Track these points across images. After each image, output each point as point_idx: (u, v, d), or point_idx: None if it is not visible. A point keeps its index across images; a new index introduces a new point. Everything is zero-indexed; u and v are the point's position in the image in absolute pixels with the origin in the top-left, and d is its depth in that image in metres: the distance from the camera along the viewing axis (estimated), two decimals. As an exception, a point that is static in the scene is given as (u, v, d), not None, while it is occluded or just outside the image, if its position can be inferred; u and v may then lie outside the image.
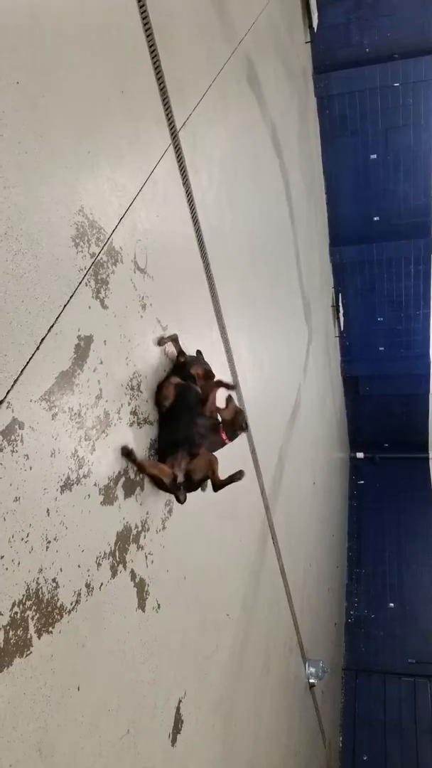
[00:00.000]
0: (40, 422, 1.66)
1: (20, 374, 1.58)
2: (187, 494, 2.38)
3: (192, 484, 2.34)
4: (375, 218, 11.22)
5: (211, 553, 3.10)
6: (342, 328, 11.85)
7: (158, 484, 2.30)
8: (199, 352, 2.86)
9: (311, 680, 5.83)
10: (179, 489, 2.31)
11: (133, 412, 2.25)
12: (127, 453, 2.12)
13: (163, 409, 2.44)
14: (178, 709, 2.49)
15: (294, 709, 5.23)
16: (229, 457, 3.54)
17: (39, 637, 1.57)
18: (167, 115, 2.79)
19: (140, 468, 2.18)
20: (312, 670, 5.79)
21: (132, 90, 2.42)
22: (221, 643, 3.13)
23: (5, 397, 1.52)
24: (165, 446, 2.39)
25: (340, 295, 11.71)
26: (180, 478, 2.29)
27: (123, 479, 2.13)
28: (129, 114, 2.38)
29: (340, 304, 11.62)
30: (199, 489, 2.46)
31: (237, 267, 4.08)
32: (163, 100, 2.76)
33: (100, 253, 2.06)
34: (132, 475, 2.21)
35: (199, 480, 2.34)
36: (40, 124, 1.76)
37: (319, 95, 9.80)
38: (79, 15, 2.04)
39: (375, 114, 9.98)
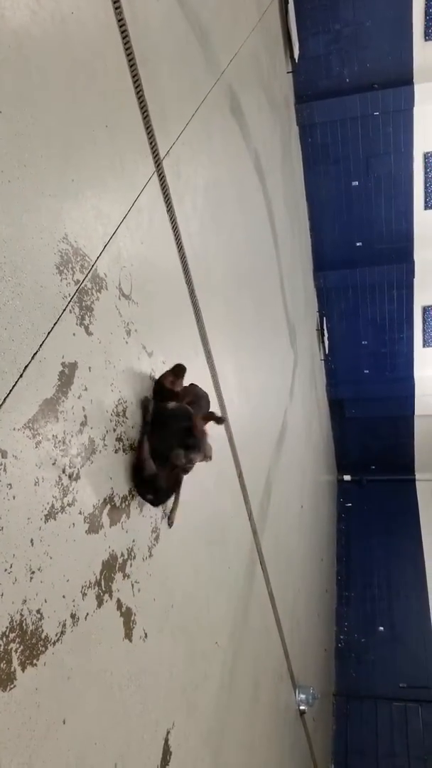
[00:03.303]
0: (24, 451, 1.64)
1: (3, 402, 1.57)
2: (173, 517, 2.37)
3: (156, 488, 2.35)
4: (357, 243, 11.39)
5: (199, 580, 3.06)
6: (327, 352, 11.93)
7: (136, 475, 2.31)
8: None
9: (302, 707, 5.74)
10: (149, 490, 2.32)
11: (119, 439, 2.24)
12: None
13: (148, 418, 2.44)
14: (166, 740, 2.43)
15: (285, 738, 5.14)
16: (216, 480, 3.54)
17: (23, 670, 1.54)
18: (151, 144, 2.84)
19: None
20: (302, 696, 5.70)
21: (116, 119, 2.46)
22: (210, 672, 3.08)
23: (-12, 426, 1.51)
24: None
25: (324, 318, 11.82)
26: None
27: (108, 507, 2.11)
28: (113, 143, 2.41)
29: (325, 327, 11.72)
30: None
31: (222, 292, 4.11)
32: (147, 129, 2.80)
33: (84, 280, 2.07)
34: (118, 503, 2.19)
35: (161, 488, 2.34)
36: (23, 154, 1.78)
37: (301, 124, 10.01)
38: (63, 48, 2.08)
39: (356, 142, 10.20)
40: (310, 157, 10.41)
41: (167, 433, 2.40)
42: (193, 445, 2.45)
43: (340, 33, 9.46)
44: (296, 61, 8.87)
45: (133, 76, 2.66)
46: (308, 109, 9.94)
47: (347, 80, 9.71)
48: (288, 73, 8.90)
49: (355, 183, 10.69)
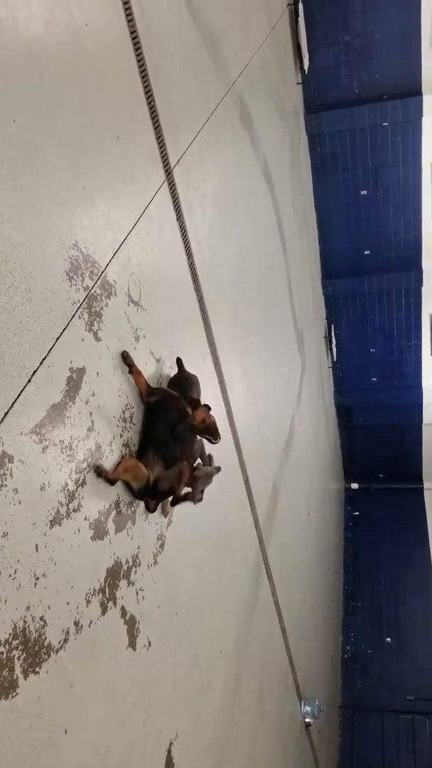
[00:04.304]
0: (30, 455, 1.64)
1: (11, 407, 1.57)
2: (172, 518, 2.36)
3: (156, 492, 2.28)
4: (366, 252, 11.38)
5: (204, 588, 3.05)
6: (335, 359, 11.90)
7: (128, 486, 2.24)
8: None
9: (307, 719, 5.68)
10: (148, 496, 2.27)
11: (126, 444, 2.24)
12: (98, 472, 2.01)
13: (145, 399, 2.40)
14: (169, 751, 2.41)
15: (289, 750, 5.09)
16: (222, 487, 3.52)
17: (25, 678, 1.53)
18: (162, 152, 2.85)
19: (112, 481, 2.07)
20: (308, 709, 5.65)
21: (127, 128, 2.47)
22: (214, 682, 3.06)
23: (-5, 431, 1.51)
24: (146, 445, 2.33)
25: (332, 326, 11.80)
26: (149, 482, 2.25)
27: (114, 513, 2.11)
28: (124, 151, 2.43)
29: (333, 335, 11.70)
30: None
31: (230, 299, 4.12)
32: (158, 138, 2.81)
33: (93, 286, 2.08)
34: (123, 509, 2.19)
35: (164, 491, 2.29)
36: (35, 161, 1.79)
37: (310, 134, 10.04)
38: (77, 59, 2.09)
39: (365, 152, 10.22)
40: (319, 166, 10.43)
41: (161, 425, 2.38)
42: (186, 429, 2.44)
43: (350, 44, 9.49)
44: (306, 72, 8.90)
45: (145, 87, 2.68)
46: (317, 119, 9.97)
47: (356, 91, 9.74)
48: (298, 84, 8.94)
49: (364, 192, 10.69)
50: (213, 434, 2.52)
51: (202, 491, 2.59)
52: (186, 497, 2.48)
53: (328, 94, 9.92)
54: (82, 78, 2.13)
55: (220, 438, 2.56)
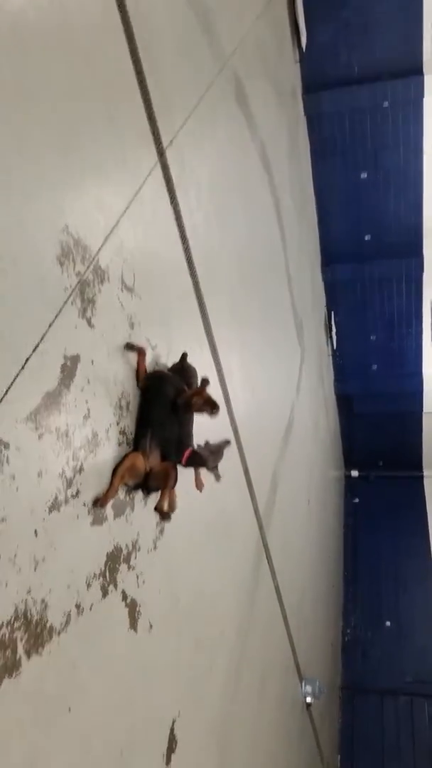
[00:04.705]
0: (27, 442, 1.65)
1: (5, 395, 1.57)
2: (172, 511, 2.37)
3: (147, 487, 2.28)
4: (366, 237, 11.30)
5: (205, 573, 3.07)
6: (335, 347, 11.88)
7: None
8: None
9: (308, 699, 5.75)
10: (141, 488, 2.27)
11: (122, 432, 2.24)
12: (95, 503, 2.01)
13: (141, 384, 2.38)
14: (172, 729, 2.45)
15: (291, 730, 5.15)
16: (222, 475, 3.53)
17: (28, 658, 1.55)
18: (154, 133, 2.82)
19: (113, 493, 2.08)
20: (309, 689, 5.71)
21: (117, 108, 2.44)
22: (216, 663, 3.09)
23: (-10, 418, 1.51)
24: (143, 430, 2.31)
25: (332, 313, 11.76)
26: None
27: (112, 499, 2.11)
28: (115, 132, 2.40)
29: (333, 322, 11.66)
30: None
31: (227, 285, 4.10)
32: (150, 118, 2.78)
33: (86, 272, 2.07)
34: (122, 496, 2.19)
35: (152, 488, 2.28)
36: (21, 143, 1.77)
37: (309, 115, 9.92)
38: (63, 35, 2.06)
39: (364, 134, 10.10)
40: (318, 148, 10.31)
41: (157, 405, 2.37)
42: (183, 404, 2.43)
43: (349, 21, 9.31)
44: (304, 50, 8.76)
45: (135, 64, 2.64)
46: (316, 99, 9.83)
47: (356, 69, 9.60)
48: (296, 62, 8.81)
49: (364, 175, 10.59)
50: (211, 406, 2.49)
51: (215, 467, 2.59)
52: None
53: (328, 73, 9.76)
54: (69, 55, 2.10)
55: (218, 408, 2.52)
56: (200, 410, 2.53)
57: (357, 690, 9.55)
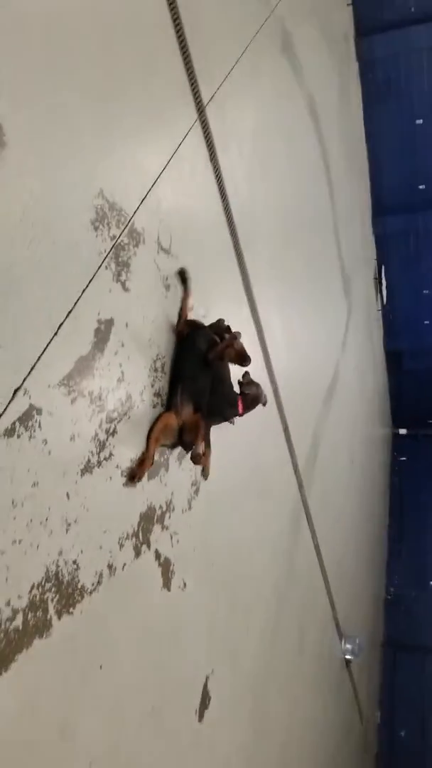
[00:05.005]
0: (59, 407, 1.67)
1: (38, 360, 1.59)
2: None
3: (182, 442, 2.29)
4: (421, 186, 10.84)
5: (241, 533, 3.11)
6: (385, 302, 11.57)
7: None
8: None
9: (348, 657, 5.85)
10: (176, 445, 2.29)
11: (157, 394, 2.25)
12: (132, 476, 2.04)
13: (179, 329, 2.40)
14: (205, 686, 2.52)
15: (330, 686, 5.27)
16: (260, 434, 3.53)
17: (59, 618, 1.61)
18: (193, 89, 2.73)
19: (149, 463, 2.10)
20: (348, 646, 5.80)
21: (154, 65, 2.37)
22: (251, 621, 3.16)
23: (22, 384, 1.53)
24: (175, 384, 2.33)
25: (383, 267, 11.42)
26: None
27: (143, 459, 2.14)
28: (151, 90, 2.34)
29: (383, 276, 11.33)
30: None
31: (269, 242, 4.01)
32: (189, 73, 2.69)
33: (120, 235, 2.05)
34: (156, 457, 2.22)
35: (186, 441, 2.28)
36: (56, 108, 1.74)
37: (361, 59, 9.44)
38: (96, -10, 2.00)
39: (421, 77, 9.57)
40: (371, 94, 9.85)
41: (189, 359, 2.37)
42: (216, 356, 2.44)
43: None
44: (357, -9, 8.31)
45: (174, 17, 2.54)
46: (369, 42, 9.35)
47: (412, 9, 9.04)
48: (347, 5, 8.36)
49: (420, 121, 10.08)
50: (243, 358, 2.50)
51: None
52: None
53: (381, 15, 9.25)
54: (105, 11, 2.04)
55: (250, 360, 2.53)
56: (233, 362, 2.55)
57: (399, 647, 9.66)
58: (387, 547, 11.33)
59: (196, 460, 2.26)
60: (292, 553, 4.07)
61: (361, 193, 9.68)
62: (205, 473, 2.60)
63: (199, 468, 2.60)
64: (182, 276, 2.29)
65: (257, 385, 2.64)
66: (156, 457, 2.22)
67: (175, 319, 2.43)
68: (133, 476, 2.02)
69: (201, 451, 2.26)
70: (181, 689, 2.31)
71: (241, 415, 2.57)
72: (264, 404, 2.70)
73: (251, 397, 2.58)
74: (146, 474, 2.10)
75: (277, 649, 3.60)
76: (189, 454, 2.30)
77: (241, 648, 2.97)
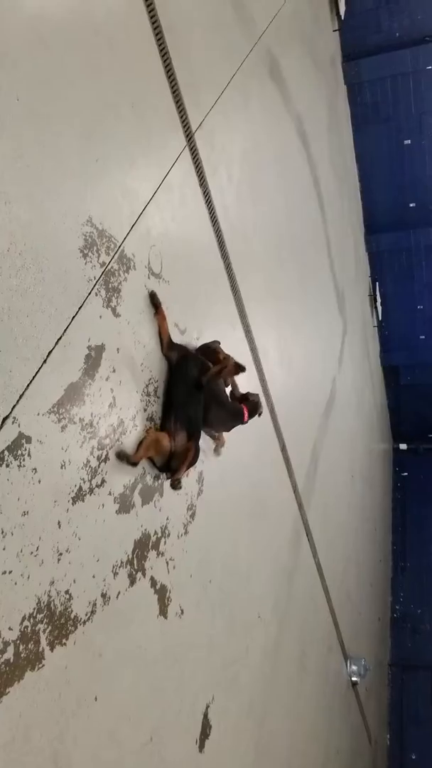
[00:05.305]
0: (49, 435, 1.67)
1: (26, 389, 1.59)
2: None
3: (169, 468, 2.29)
4: (411, 204, 10.96)
5: (239, 555, 3.08)
6: (380, 318, 11.62)
7: (152, 461, 2.26)
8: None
9: (353, 678, 5.76)
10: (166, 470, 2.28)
11: (150, 418, 2.24)
12: (119, 456, 2.02)
13: (165, 352, 2.41)
14: (205, 714, 2.48)
15: (335, 708, 5.18)
16: (256, 454, 3.52)
17: (51, 650, 1.59)
18: (181, 116, 2.77)
19: (134, 463, 2.08)
20: (354, 668, 5.72)
21: (142, 93, 2.40)
22: (252, 646, 3.11)
23: (10, 413, 1.53)
24: (168, 411, 2.33)
25: (377, 283, 11.49)
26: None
27: (140, 486, 2.13)
28: (139, 118, 2.37)
29: (378, 293, 11.40)
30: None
31: (262, 264, 4.03)
32: (177, 101, 2.73)
33: (110, 261, 2.06)
34: (150, 482, 2.21)
35: (174, 466, 2.28)
36: (43, 136, 1.76)
37: (349, 83, 9.60)
38: (83, 22, 2.03)
39: (407, 99, 9.73)
40: (359, 116, 10.00)
41: (182, 385, 2.39)
42: (212, 377, 2.53)
43: (389, -16, 8.96)
44: (342, 17, 8.46)
45: (160, 47, 2.59)
46: (356, 66, 9.51)
47: (397, 34, 9.21)
48: (334, 31, 8.51)
49: (408, 141, 10.23)
50: (239, 370, 2.64)
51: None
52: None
53: (368, 40, 9.42)
54: (91, 43, 2.07)
55: (245, 367, 2.66)
56: (231, 376, 2.74)
57: (406, 666, 9.52)
58: (391, 564, 11.22)
59: (174, 485, 2.31)
60: (293, 573, 4.03)
61: (352, 212, 9.77)
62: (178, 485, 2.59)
63: (194, 491, 2.59)
64: (153, 300, 2.31)
65: (255, 394, 2.91)
66: (149, 483, 2.21)
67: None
68: (120, 457, 2.00)
69: (182, 476, 2.29)
70: (180, 719, 2.27)
71: (245, 422, 2.81)
72: (260, 414, 2.94)
73: (252, 405, 2.84)
74: (137, 492, 2.09)
75: (279, 672, 3.55)
76: (170, 480, 2.33)
77: (241, 673, 2.92)
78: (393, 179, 10.58)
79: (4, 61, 1.64)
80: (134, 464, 2.05)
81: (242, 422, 2.81)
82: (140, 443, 2.11)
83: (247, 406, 2.81)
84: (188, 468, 2.33)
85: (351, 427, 7.62)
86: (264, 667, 3.27)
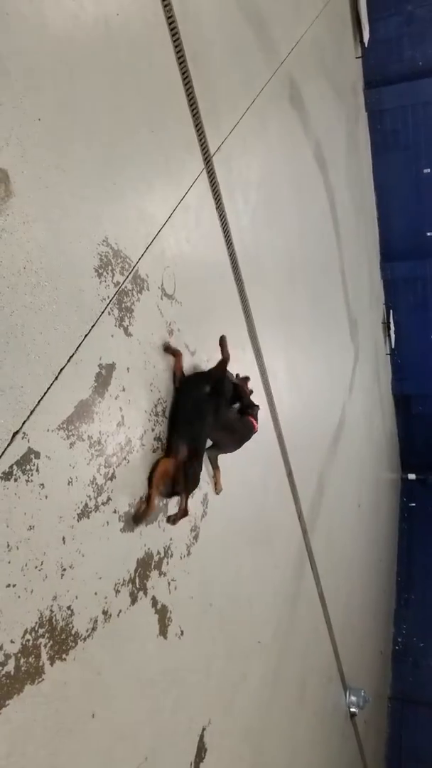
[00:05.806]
0: (57, 451, 1.69)
1: (37, 405, 1.61)
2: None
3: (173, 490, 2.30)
4: (428, 233, 11.02)
5: (241, 580, 3.06)
6: (393, 346, 11.62)
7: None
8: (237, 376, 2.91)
9: (352, 709, 5.66)
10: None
11: (157, 438, 2.26)
12: (137, 520, 2.07)
13: (177, 385, 2.43)
14: (201, 737, 2.46)
15: (332, 740, 5.09)
16: (262, 479, 3.52)
17: (52, 664, 1.59)
18: (200, 140, 2.82)
19: (153, 510, 2.12)
20: (353, 699, 5.62)
21: (162, 118, 2.46)
22: (250, 671, 3.08)
23: (21, 428, 1.55)
24: (172, 430, 2.34)
25: (391, 311, 11.51)
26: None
27: (145, 505, 2.14)
28: (158, 141, 2.42)
29: (392, 320, 11.41)
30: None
31: (275, 288, 4.07)
32: (196, 126, 2.79)
33: (124, 281, 2.09)
34: (155, 502, 2.21)
35: (177, 491, 2.29)
36: (62, 159, 1.81)
37: (370, 110, 9.74)
38: (108, 50, 2.09)
39: (428, 128, 9.84)
40: (379, 143, 10.12)
41: (187, 400, 2.41)
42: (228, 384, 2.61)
43: (413, 14, 9.11)
44: (365, 45, 8.60)
45: (183, 74, 2.65)
46: (378, 94, 9.66)
47: (420, 63, 9.36)
48: (357, 58, 8.65)
49: (427, 170, 10.32)
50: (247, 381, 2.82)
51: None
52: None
53: (390, 68, 9.58)
54: (113, 70, 2.12)
55: (249, 378, 2.81)
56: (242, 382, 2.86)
57: (407, 701, 9.33)
58: (395, 596, 11.06)
59: (174, 519, 2.29)
60: (295, 600, 3.99)
61: (369, 238, 9.83)
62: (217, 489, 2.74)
63: (198, 513, 2.59)
64: (167, 350, 2.35)
65: (247, 397, 2.89)
66: (156, 502, 2.22)
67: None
68: (135, 518, 2.02)
69: (184, 507, 2.29)
70: (176, 741, 2.25)
71: (256, 430, 2.86)
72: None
73: (252, 408, 2.86)
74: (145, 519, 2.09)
75: (277, 700, 3.50)
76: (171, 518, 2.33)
77: (239, 698, 2.89)
78: (411, 207, 10.66)
79: (28, 76, 1.69)
80: (153, 510, 2.08)
81: (255, 431, 2.84)
82: (150, 483, 2.12)
83: (251, 415, 2.83)
84: (191, 491, 2.33)
85: (359, 454, 7.59)
86: (263, 693, 3.23)
